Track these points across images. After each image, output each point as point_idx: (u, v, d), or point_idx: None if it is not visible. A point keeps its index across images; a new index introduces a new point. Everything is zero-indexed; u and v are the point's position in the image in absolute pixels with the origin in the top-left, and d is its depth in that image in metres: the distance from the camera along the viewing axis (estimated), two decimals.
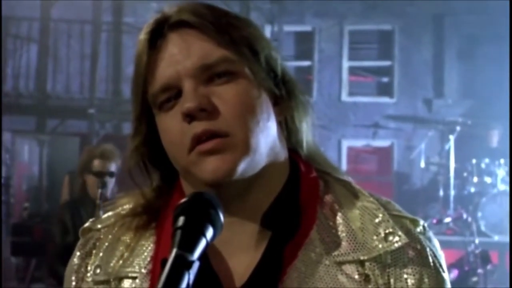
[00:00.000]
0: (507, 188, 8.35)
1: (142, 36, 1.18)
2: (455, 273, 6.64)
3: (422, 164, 9.48)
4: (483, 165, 8.62)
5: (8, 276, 8.05)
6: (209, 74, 1.14)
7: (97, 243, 1.26)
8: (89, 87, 10.92)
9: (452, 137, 8.81)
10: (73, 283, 1.26)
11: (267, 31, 9.94)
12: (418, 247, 1.17)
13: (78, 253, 1.27)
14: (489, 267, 6.76)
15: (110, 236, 1.25)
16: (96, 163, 4.65)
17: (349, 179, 1.24)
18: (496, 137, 9.18)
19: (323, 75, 11.14)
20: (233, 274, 1.16)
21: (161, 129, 1.17)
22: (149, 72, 1.17)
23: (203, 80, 1.14)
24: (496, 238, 8.16)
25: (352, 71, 11.22)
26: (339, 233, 1.16)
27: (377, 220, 1.17)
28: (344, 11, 10.91)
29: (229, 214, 1.11)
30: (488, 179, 8.57)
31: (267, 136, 1.16)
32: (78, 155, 7.98)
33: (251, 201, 1.17)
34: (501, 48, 9.62)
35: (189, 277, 0.96)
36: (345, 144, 10.97)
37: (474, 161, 8.66)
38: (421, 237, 1.18)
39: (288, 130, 1.23)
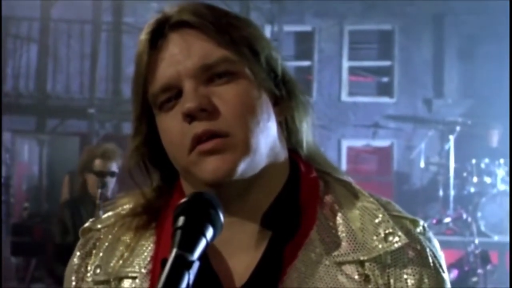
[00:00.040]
0: (507, 188, 8.34)
1: (143, 36, 1.18)
2: (455, 273, 6.63)
3: (422, 164, 9.47)
4: (483, 165, 8.60)
5: (8, 276, 8.05)
6: (209, 74, 1.14)
7: (97, 243, 1.26)
8: (89, 87, 10.92)
9: (452, 137, 8.80)
10: (73, 283, 1.26)
11: (267, 31, 9.94)
12: (418, 247, 1.17)
13: (78, 253, 1.27)
14: (489, 267, 6.76)
15: (110, 236, 1.25)
16: (98, 163, 4.64)
17: (349, 179, 1.24)
18: (496, 137, 9.17)
19: (323, 75, 11.13)
20: (233, 274, 1.16)
21: (161, 129, 1.17)
22: (149, 72, 1.17)
23: (204, 80, 1.14)
24: (496, 238, 8.15)
25: (352, 71, 11.21)
26: (339, 233, 1.16)
27: (377, 221, 1.17)
28: (344, 11, 10.90)
29: (229, 214, 1.11)
30: (488, 179, 8.56)
31: (267, 136, 1.16)
32: (78, 155, 7.99)
33: (251, 201, 1.17)
34: (501, 48, 9.61)
35: (189, 277, 0.96)
36: (345, 144, 10.96)
37: (474, 161, 8.65)
38: (421, 237, 1.18)
39: (288, 130, 1.23)
